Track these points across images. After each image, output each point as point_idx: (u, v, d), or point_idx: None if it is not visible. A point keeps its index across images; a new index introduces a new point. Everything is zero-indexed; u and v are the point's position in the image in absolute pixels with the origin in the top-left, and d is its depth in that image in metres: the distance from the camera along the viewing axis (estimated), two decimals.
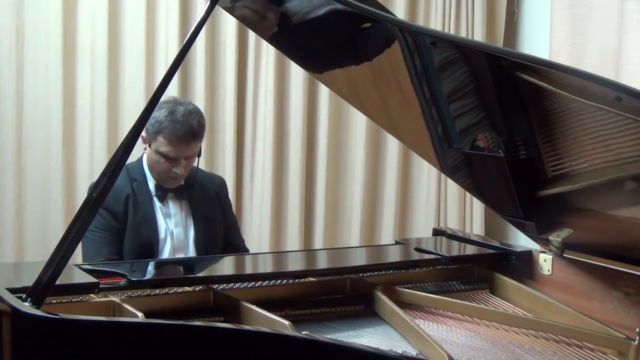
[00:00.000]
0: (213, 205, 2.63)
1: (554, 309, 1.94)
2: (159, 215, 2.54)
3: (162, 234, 2.53)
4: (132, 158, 2.45)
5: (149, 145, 2.49)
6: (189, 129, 2.44)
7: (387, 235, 3.76)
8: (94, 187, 1.54)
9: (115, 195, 2.45)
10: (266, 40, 2.36)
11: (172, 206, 2.56)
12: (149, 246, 2.49)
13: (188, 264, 2.28)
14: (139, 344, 1.37)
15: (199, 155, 2.54)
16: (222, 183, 2.76)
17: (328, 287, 1.95)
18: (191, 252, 2.56)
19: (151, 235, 2.50)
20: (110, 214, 2.45)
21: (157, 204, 2.54)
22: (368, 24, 1.72)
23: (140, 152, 2.53)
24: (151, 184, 2.54)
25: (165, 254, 2.52)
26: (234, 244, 2.70)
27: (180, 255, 2.53)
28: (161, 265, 2.26)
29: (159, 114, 2.44)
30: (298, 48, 2.11)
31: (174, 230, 2.55)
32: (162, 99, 2.37)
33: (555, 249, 2.07)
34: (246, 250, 2.77)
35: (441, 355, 1.56)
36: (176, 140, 2.42)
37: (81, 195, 3.21)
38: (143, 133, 2.49)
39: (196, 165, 2.59)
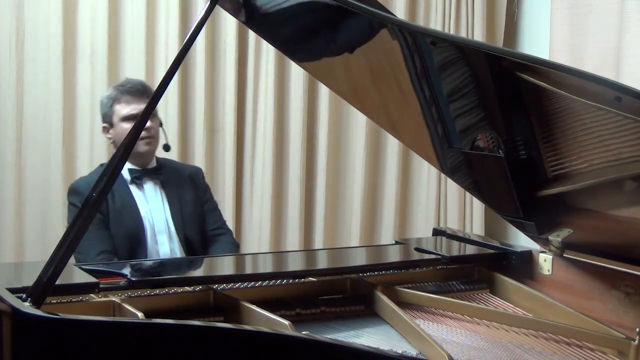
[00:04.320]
0: (186, 187, 2.76)
1: (554, 309, 1.94)
2: (137, 201, 2.64)
3: (144, 219, 2.62)
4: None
5: (113, 127, 2.66)
6: (137, 84, 2.72)
7: (387, 235, 3.76)
8: (93, 188, 1.54)
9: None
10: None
11: (148, 189, 2.68)
12: (135, 231, 2.59)
13: (188, 264, 2.28)
14: (139, 344, 1.37)
15: (160, 125, 2.73)
16: (197, 170, 2.91)
17: (328, 287, 1.95)
18: (173, 235, 2.66)
19: (135, 219, 2.60)
20: None
21: (133, 191, 2.64)
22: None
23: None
24: (125, 172, 2.63)
25: (148, 238, 2.61)
26: (219, 227, 2.82)
27: (163, 238, 2.64)
28: (161, 265, 2.26)
29: (107, 94, 2.70)
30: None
31: (153, 214, 2.64)
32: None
33: (555, 249, 2.07)
34: (229, 232, 2.89)
35: (441, 355, 1.56)
36: (131, 96, 2.65)
37: None
38: (103, 124, 2.71)
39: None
